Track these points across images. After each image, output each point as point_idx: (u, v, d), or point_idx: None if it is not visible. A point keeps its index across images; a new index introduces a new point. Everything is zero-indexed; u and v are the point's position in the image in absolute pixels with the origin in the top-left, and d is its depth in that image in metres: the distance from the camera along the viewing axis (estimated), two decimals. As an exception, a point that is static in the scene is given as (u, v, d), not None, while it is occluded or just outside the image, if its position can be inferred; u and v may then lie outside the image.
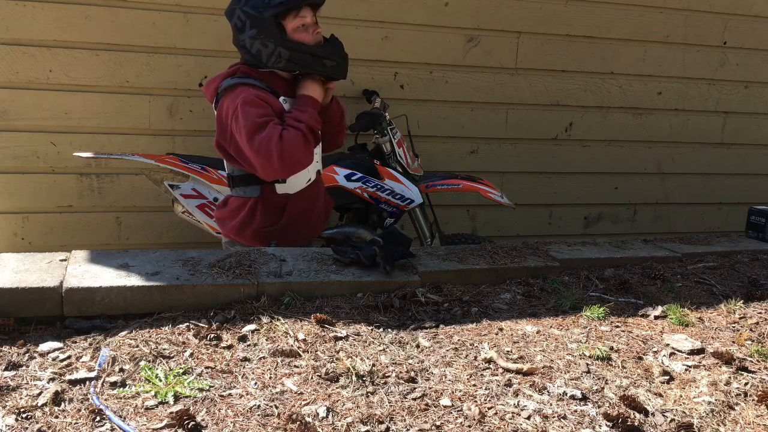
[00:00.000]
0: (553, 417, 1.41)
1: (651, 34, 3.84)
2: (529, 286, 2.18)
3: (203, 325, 1.74)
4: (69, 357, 1.57)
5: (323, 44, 2.39)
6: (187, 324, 1.74)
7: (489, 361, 1.65)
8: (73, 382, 1.45)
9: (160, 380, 1.46)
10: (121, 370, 1.51)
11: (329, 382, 1.50)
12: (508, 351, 1.71)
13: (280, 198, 2.45)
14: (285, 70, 2.38)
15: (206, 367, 1.54)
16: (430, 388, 1.50)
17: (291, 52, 2.32)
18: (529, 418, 1.40)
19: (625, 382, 1.59)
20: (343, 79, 2.49)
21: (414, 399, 1.45)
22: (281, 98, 2.38)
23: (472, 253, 2.33)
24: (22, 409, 1.33)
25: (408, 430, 1.34)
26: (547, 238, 3.54)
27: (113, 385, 1.45)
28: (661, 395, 1.54)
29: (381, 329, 1.79)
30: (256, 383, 1.49)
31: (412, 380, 1.53)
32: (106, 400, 1.39)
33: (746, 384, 1.61)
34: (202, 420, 1.33)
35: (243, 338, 1.69)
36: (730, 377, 1.64)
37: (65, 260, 1.94)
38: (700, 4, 3.87)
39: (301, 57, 2.34)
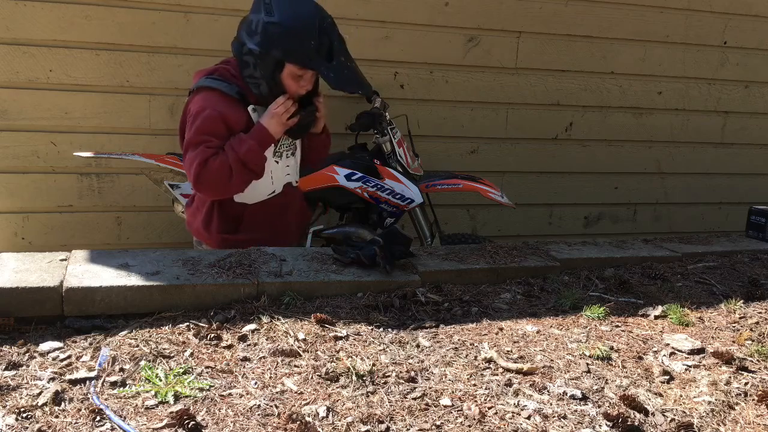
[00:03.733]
0: (553, 417, 1.41)
1: (651, 34, 3.84)
2: (529, 286, 2.18)
3: (203, 324, 1.74)
4: (69, 357, 1.57)
5: (301, 99, 2.33)
6: (187, 324, 1.74)
7: (489, 360, 1.65)
8: (73, 382, 1.45)
9: (160, 380, 1.46)
10: (122, 369, 1.51)
11: (329, 382, 1.50)
12: (508, 351, 1.71)
13: (236, 206, 2.41)
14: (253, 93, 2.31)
15: (206, 367, 1.54)
16: (430, 388, 1.50)
17: (269, 92, 2.27)
18: (529, 417, 1.40)
19: (625, 381, 1.59)
20: (295, 139, 2.47)
21: (414, 399, 1.45)
22: (251, 107, 2.31)
23: (473, 252, 2.33)
24: (22, 409, 1.33)
25: (408, 429, 1.34)
26: (547, 238, 3.54)
27: (113, 384, 1.45)
28: (661, 395, 1.54)
29: (381, 329, 1.79)
30: (256, 383, 1.49)
31: (412, 380, 1.53)
32: (106, 399, 1.39)
33: (746, 384, 1.61)
34: (202, 420, 1.33)
35: (243, 338, 1.69)
36: (730, 377, 1.64)
37: (65, 260, 1.94)
38: (700, 4, 3.87)
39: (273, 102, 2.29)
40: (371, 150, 3.16)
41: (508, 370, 1.60)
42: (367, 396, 1.45)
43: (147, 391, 1.42)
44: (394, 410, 1.40)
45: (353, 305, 1.93)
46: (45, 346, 1.61)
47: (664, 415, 1.45)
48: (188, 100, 2.35)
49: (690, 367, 1.69)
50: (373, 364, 1.57)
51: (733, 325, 1.98)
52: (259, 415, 1.36)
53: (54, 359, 1.56)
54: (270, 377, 1.52)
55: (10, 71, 2.99)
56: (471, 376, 1.57)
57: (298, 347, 1.65)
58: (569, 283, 2.23)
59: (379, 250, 2.07)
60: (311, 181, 2.91)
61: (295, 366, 1.57)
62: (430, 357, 1.65)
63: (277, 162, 2.43)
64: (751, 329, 1.94)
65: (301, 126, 2.39)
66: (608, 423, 1.39)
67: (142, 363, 1.53)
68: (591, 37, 3.74)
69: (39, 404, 1.35)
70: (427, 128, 3.56)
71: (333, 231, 3.01)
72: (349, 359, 1.59)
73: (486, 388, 1.51)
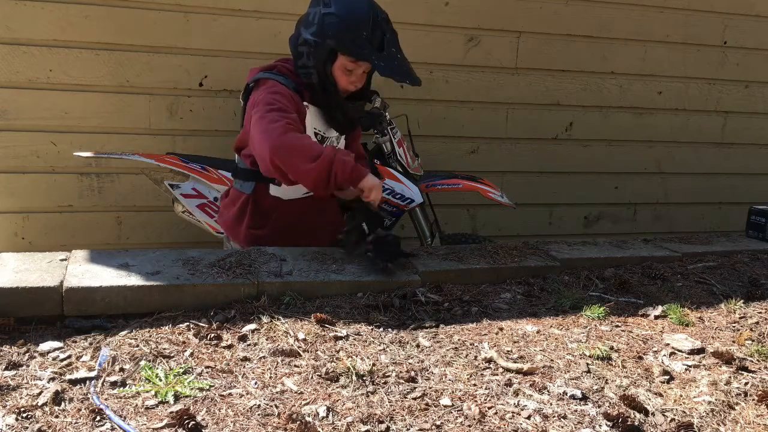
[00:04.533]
0: (553, 417, 1.41)
1: (651, 33, 3.84)
2: (529, 286, 2.18)
3: (203, 324, 1.74)
4: (69, 356, 1.57)
5: (350, 95, 2.36)
6: (188, 323, 1.74)
7: (489, 360, 1.65)
8: (74, 382, 1.45)
9: (161, 380, 1.46)
10: (122, 369, 1.51)
11: (329, 382, 1.50)
12: (508, 351, 1.71)
13: (271, 201, 2.40)
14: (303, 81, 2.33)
15: (206, 367, 1.54)
16: (430, 388, 1.50)
17: (319, 82, 2.29)
18: (529, 417, 1.40)
19: (625, 381, 1.59)
20: (341, 134, 2.49)
21: (414, 399, 1.45)
22: (304, 103, 2.34)
23: (473, 252, 2.33)
24: (22, 409, 1.33)
25: (408, 429, 1.34)
26: (547, 238, 3.54)
27: (113, 384, 1.45)
28: (661, 395, 1.54)
29: (381, 329, 1.79)
30: (256, 383, 1.49)
31: (413, 380, 1.53)
32: (106, 399, 1.39)
33: (746, 384, 1.61)
34: (203, 420, 1.33)
35: (243, 338, 1.69)
36: (730, 377, 1.64)
37: (65, 260, 1.94)
38: (700, 4, 3.87)
39: (322, 92, 2.31)
40: (371, 150, 3.16)
41: (508, 370, 1.60)
42: (367, 396, 1.45)
43: (147, 391, 1.42)
44: (394, 410, 1.40)
45: (353, 305, 1.93)
46: (45, 346, 1.61)
47: (664, 415, 1.45)
48: (251, 95, 2.34)
49: (690, 367, 1.69)
50: (373, 364, 1.57)
51: (733, 325, 1.98)
52: (259, 415, 1.36)
53: (54, 359, 1.56)
54: (270, 377, 1.52)
55: (10, 71, 2.98)
56: (471, 376, 1.57)
57: (298, 347, 1.65)
58: (569, 283, 2.23)
59: (373, 255, 2.08)
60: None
61: (295, 366, 1.57)
62: (430, 357, 1.65)
63: None
64: (751, 329, 1.94)
65: (349, 120, 2.44)
66: (608, 423, 1.39)
67: (142, 363, 1.53)
68: (591, 37, 3.74)
69: (39, 404, 1.35)
70: (427, 128, 3.56)
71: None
72: (349, 359, 1.59)
73: (486, 388, 1.51)
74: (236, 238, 2.50)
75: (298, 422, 1.30)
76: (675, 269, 2.43)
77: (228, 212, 2.50)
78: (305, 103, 2.34)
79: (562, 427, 1.38)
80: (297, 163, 2.10)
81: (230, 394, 1.44)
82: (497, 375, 1.58)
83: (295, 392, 1.46)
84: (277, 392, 1.45)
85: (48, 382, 1.45)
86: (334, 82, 2.31)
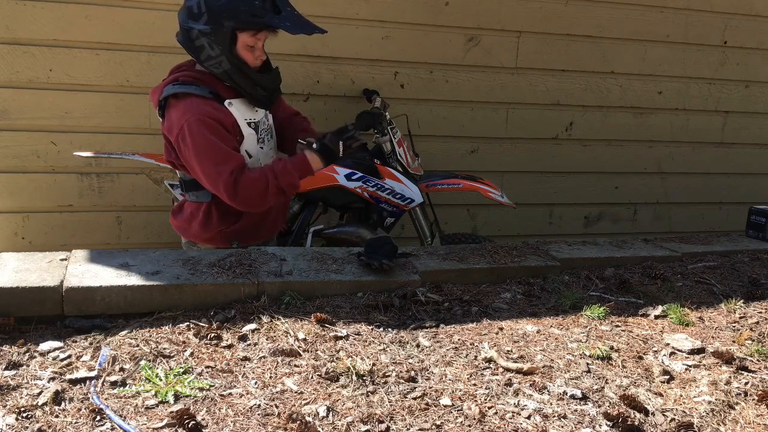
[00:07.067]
0: (553, 416, 1.41)
1: (651, 33, 3.84)
2: (529, 286, 2.18)
3: (203, 324, 1.74)
4: (69, 356, 1.57)
5: (260, 70, 2.34)
6: (188, 323, 1.75)
7: (489, 360, 1.65)
8: (74, 382, 1.45)
9: (161, 380, 1.47)
10: (122, 369, 1.51)
11: (329, 382, 1.50)
12: (508, 350, 1.71)
13: None
14: (215, 76, 2.31)
15: (206, 367, 1.54)
16: (430, 388, 1.50)
17: (232, 66, 2.26)
18: (529, 417, 1.40)
19: (626, 381, 1.59)
20: (266, 109, 2.46)
21: (414, 398, 1.45)
22: (227, 101, 2.30)
23: (473, 252, 2.33)
24: (22, 409, 1.33)
25: (408, 429, 1.34)
26: (548, 238, 3.54)
27: (113, 384, 1.45)
28: (661, 395, 1.55)
29: (381, 329, 1.79)
30: (256, 383, 1.49)
31: (413, 380, 1.53)
32: (106, 399, 1.39)
33: (746, 383, 1.61)
34: (203, 419, 1.33)
35: (243, 338, 1.69)
36: (730, 377, 1.64)
37: (65, 260, 1.94)
38: (700, 4, 3.87)
39: (238, 75, 2.28)
40: (371, 150, 3.16)
41: (508, 369, 1.60)
42: (367, 396, 1.45)
43: (147, 391, 1.42)
44: (394, 410, 1.40)
45: (353, 305, 1.93)
46: (45, 346, 1.62)
47: (664, 415, 1.45)
48: (166, 117, 2.29)
49: (690, 366, 1.70)
50: (373, 364, 1.57)
51: (733, 324, 1.98)
52: (259, 414, 1.36)
53: (54, 359, 1.56)
54: (270, 377, 1.52)
55: (10, 71, 2.99)
56: (471, 376, 1.57)
57: (298, 347, 1.65)
58: (569, 283, 2.23)
59: (371, 260, 2.09)
60: (311, 181, 2.91)
61: (295, 366, 1.57)
62: (430, 357, 1.65)
63: (262, 148, 2.44)
64: (751, 329, 1.94)
65: (271, 92, 2.43)
66: (608, 423, 1.39)
67: (142, 363, 1.53)
68: (591, 36, 3.74)
69: (39, 404, 1.36)
70: (427, 128, 3.56)
71: (333, 231, 3.01)
72: (349, 359, 1.59)
73: (486, 388, 1.51)
74: (210, 242, 2.48)
75: (298, 422, 1.30)
76: (675, 269, 2.43)
77: (192, 225, 2.47)
78: (227, 101, 2.30)
79: (562, 426, 1.38)
80: (256, 205, 2.32)
81: (230, 393, 1.44)
82: (497, 375, 1.58)
83: (295, 392, 1.46)
84: (277, 392, 1.45)
85: (48, 382, 1.45)
86: (245, 62, 2.28)
